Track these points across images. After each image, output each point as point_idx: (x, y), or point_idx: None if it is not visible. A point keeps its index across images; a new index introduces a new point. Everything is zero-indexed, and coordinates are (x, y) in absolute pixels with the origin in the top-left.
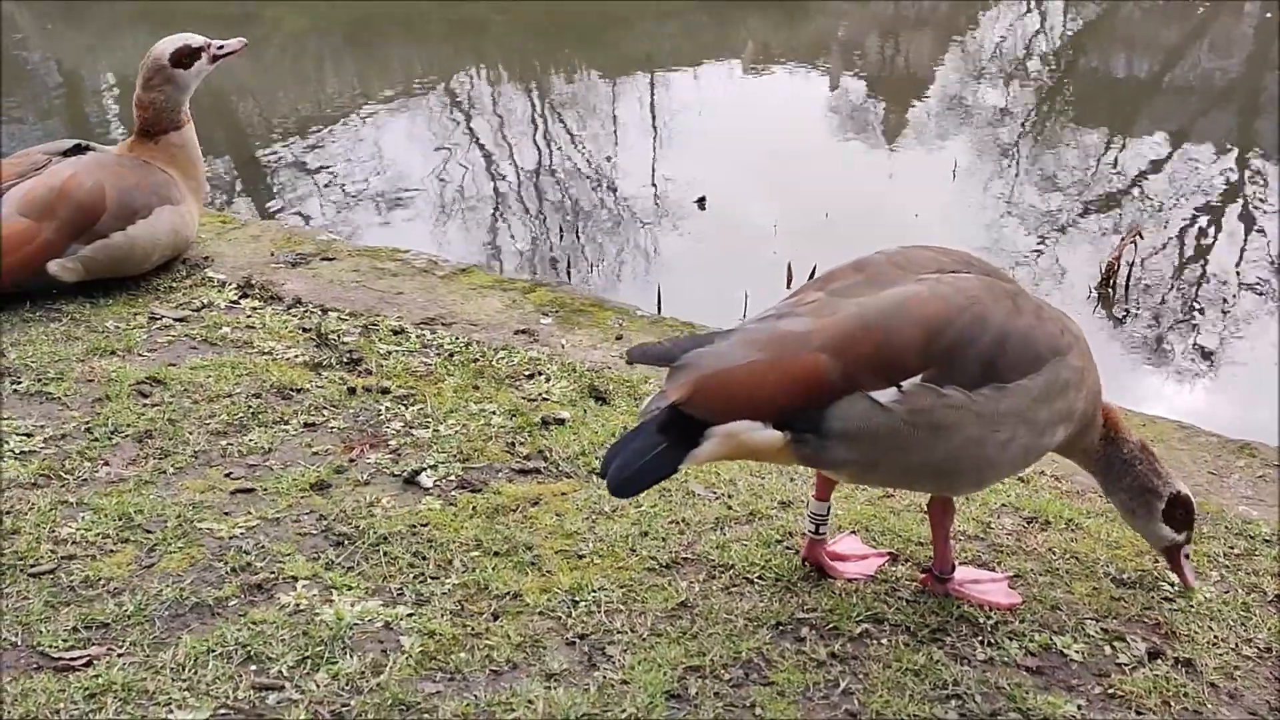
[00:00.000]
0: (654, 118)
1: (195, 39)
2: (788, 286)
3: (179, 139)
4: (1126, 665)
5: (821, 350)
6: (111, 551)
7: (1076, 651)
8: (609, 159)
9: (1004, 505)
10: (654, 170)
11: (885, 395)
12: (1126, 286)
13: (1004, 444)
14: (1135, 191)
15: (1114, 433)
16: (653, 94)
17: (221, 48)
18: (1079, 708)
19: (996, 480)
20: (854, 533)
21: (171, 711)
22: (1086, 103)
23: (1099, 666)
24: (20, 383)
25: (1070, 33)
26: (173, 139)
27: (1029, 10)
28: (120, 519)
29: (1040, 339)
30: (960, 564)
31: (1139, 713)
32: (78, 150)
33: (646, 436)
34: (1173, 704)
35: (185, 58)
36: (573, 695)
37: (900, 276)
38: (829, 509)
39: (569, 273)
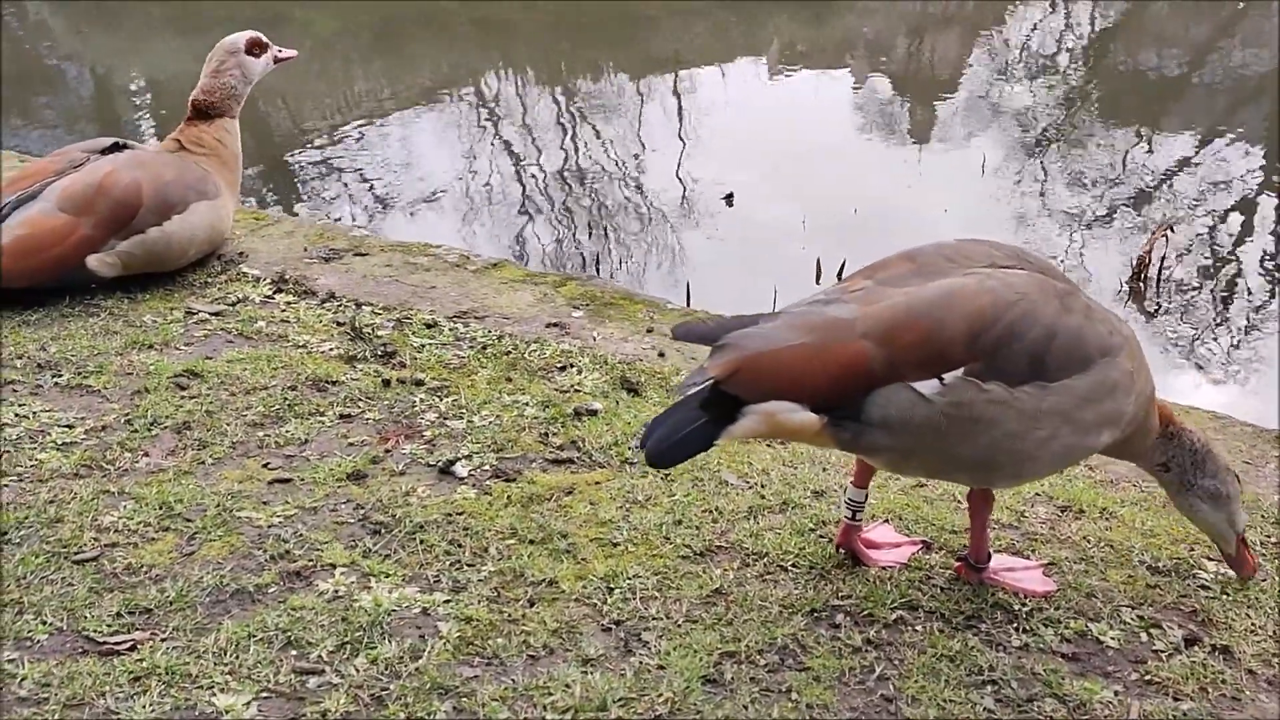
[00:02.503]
0: (680, 117)
1: (263, 36)
2: (817, 282)
3: (230, 127)
4: (1163, 652)
5: (866, 337)
6: (153, 539)
7: (1112, 638)
8: (636, 157)
9: (1038, 494)
10: (680, 169)
11: (926, 386)
12: (1158, 282)
13: (1044, 441)
14: (1165, 188)
15: (1172, 428)
16: (678, 93)
17: (281, 51)
18: (1115, 693)
19: (1035, 477)
20: (887, 521)
21: (214, 695)
22: (1115, 100)
23: (1135, 653)
24: (61, 375)
25: (1099, 30)
26: (225, 125)
27: (1053, 9)
28: (161, 508)
29: (1089, 339)
30: (994, 552)
31: (1176, 699)
32: (115, 148)
33: (686, 411)
34: (1210, 691)
35: (255, 47)
36: (609, 680)
37: (951, 269)
38: (866, 496)
39: (598, 270)
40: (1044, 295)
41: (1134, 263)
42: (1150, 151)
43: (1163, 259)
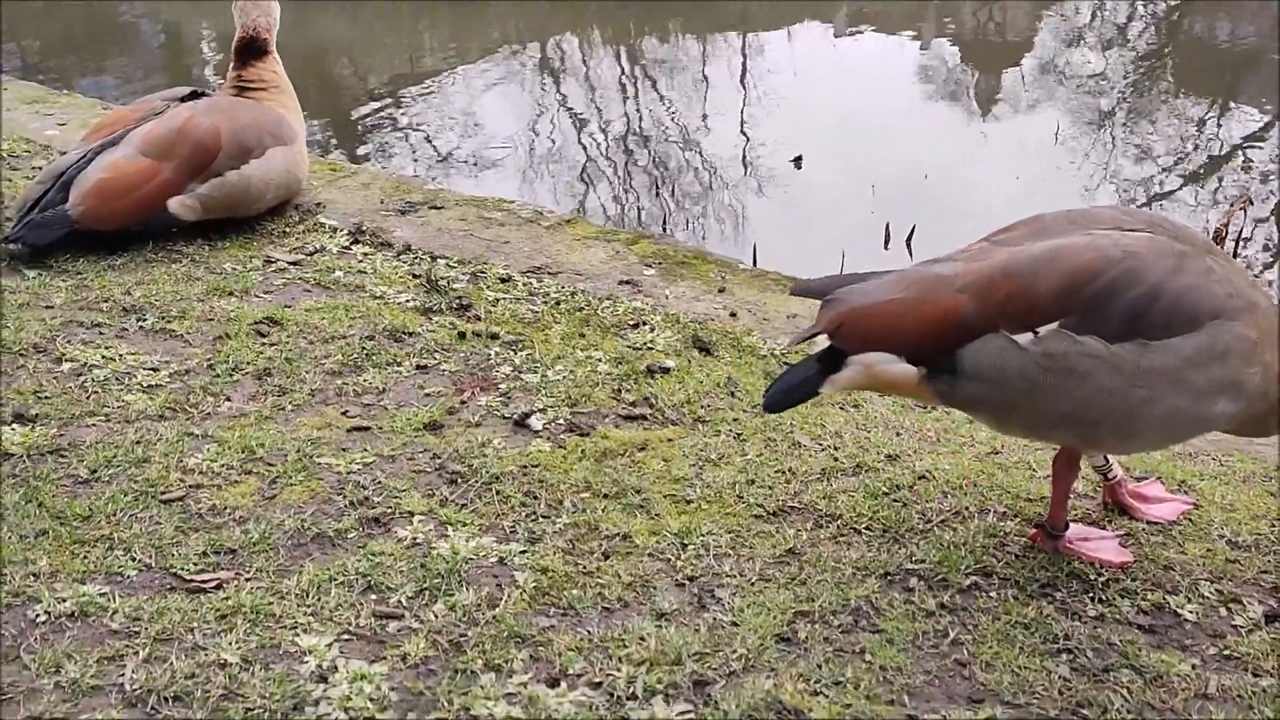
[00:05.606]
0: (745, 80)
1: None
2: (885, 247)
3: (277, 58)
4: (1243, 627)
5: (963, 291)
6: (236, 482)
7: (1190, 611)
8: (703, 119)
9: None
10: (745, 132)
11: (1021, 337)
12: (1235, 255)
13: (1146, 402)
14: (1238, 162)
15: None
16: (745, 56)
17: None
18: (1193, 667)
19: (1146, 443)
20: (1160, 479)
21: (298, 635)
22: (1188, 70)
23: (1214, 627)
24: (145, 320)
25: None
26: (275, 57)
27: None
28: (243, 452)
29: (1201, 300)
30: (1071, 521)
31: (1256, 675)
32: (193, 96)
33: (804, 366)
34: None
35: None
36: (684, 634)
37: (1071, 230)
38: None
39: (664, 230)
40: (1157, 255)
41: (1211, 235)
42: (1223, 124)
43: (1240, 232)
